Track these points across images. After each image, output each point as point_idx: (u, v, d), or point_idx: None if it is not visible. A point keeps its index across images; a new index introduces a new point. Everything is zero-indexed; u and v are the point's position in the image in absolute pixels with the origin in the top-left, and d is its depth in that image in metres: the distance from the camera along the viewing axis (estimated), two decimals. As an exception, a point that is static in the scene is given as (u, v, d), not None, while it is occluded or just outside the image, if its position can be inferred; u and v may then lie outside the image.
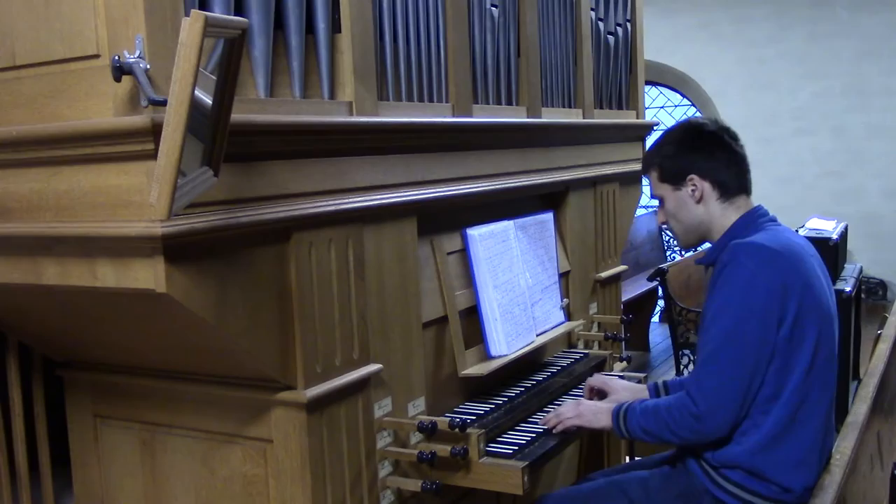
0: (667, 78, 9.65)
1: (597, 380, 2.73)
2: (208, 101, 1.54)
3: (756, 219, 2.35)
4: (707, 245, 2.50)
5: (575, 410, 2.47)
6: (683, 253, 2.29)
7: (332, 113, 2.09)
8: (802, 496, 2.20)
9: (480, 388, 2.77)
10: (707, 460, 2.28)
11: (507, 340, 2.72)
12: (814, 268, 2.27)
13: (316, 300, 2.02)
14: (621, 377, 2.81)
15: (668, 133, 2.48)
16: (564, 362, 3.17)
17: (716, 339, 2.19)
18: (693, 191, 2.37)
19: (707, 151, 2.37)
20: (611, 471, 2.77)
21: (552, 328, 3.05)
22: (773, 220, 2.38)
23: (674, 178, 2.39)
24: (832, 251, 4.98)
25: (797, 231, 5.30)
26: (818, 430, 2.23)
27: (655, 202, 2.51)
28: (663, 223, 2.49)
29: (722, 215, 2.37)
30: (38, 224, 1.77)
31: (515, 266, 2.87)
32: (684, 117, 10.04)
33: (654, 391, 2.62)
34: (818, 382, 2.21)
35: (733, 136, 2.42)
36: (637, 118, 4.08)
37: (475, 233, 2.71)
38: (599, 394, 2.69)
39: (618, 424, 2.36)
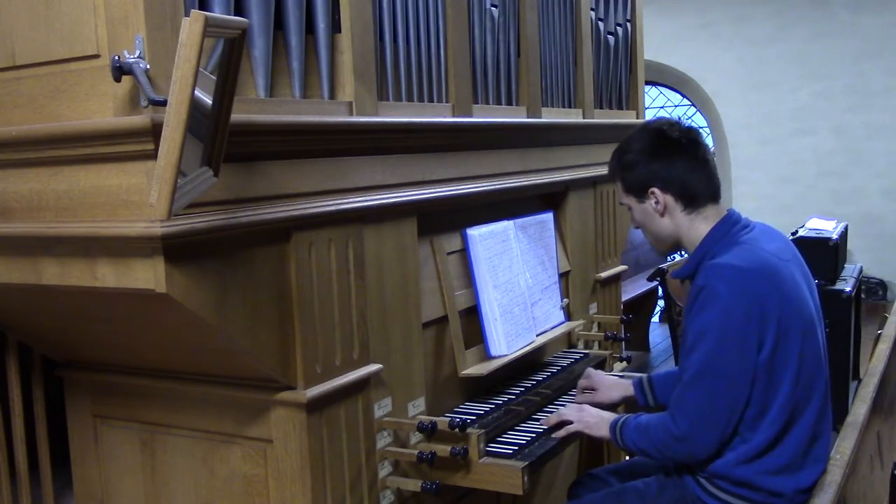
0: (667, 78, 9.64)
1: (584, 378, 2.74)
2: (208, 101, 1.54)
3: (729, 229, 2.26)
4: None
5: (577, 415, 2.46)
6: (683, 253, 2.28)
7: (332, 113, 2.09)
8: (794, 498, 2.19)
9: (480, 388, 2.77)
10: (697, 472, 2.27)
11: (507, 340, 2.72)
12: (791, 275, 2.20)
13: (316, 300, 2.03)
14: (621, 377, 2.81)
15: (631, 139, 2.38)
16: (564, 362, 3.18)
17: (695, 366, 2.15)
18: (656, 204, 2.30)
19: (666, 161, 2.27)
20: (612, 468, 2.77)
21: (552, 328, 3.05)
22: (747, 225, 2.29)
23: (636, 190, 2.33)
24: (832, 251, 4.98)
25: (797, 231, 5.30)
26: (805, 434, 2.19)
27: None
28: (637, 228, 2.44)
29: (690, 227, 2.29)
30: (38, 224, 1.77)
31: (515, 266, 2.87)
32: (684, 117, 10.04)
33: (639, 387, 2.62)
34: (805, 392, 2.18)
35: (695, 141, 2.30)
36: (637, 118, 4.08)
37: (475, 233, 2.71)
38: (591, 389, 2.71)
39: (615, 438, 2.35)
